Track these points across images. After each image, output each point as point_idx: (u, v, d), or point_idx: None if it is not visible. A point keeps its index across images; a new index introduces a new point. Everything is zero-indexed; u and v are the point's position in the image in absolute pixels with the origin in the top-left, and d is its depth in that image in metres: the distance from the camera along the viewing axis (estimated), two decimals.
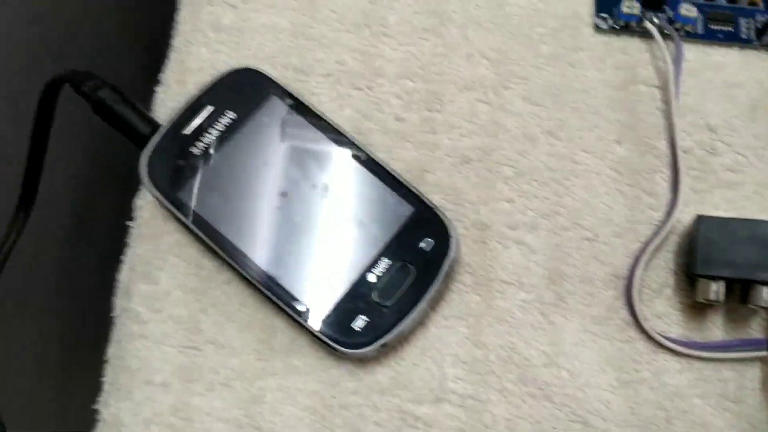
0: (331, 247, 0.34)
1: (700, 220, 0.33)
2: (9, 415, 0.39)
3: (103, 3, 0.52)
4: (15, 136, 0.42)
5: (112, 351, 0.36)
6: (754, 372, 0.35)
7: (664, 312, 0.35)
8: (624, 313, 0.35)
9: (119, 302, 0.36)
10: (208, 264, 0.36)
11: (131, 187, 0.38)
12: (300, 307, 0.34)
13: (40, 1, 0.46)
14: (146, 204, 0.37)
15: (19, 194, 0.40)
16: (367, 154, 0.35)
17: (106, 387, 0.36)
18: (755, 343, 0.35)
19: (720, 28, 0.38)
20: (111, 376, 0.36)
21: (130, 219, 0.37)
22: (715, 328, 0.35)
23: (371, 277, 0.34)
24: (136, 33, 0.53)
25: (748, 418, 0.34)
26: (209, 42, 0.39)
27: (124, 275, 0.37)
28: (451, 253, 0.34)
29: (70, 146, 0.48)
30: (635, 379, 0.35)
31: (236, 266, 0.34)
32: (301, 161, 0.35)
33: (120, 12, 0.53)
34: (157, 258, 0.36)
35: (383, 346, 0.33)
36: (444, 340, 0.35)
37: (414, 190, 0.35)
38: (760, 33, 0.38)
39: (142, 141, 0.36)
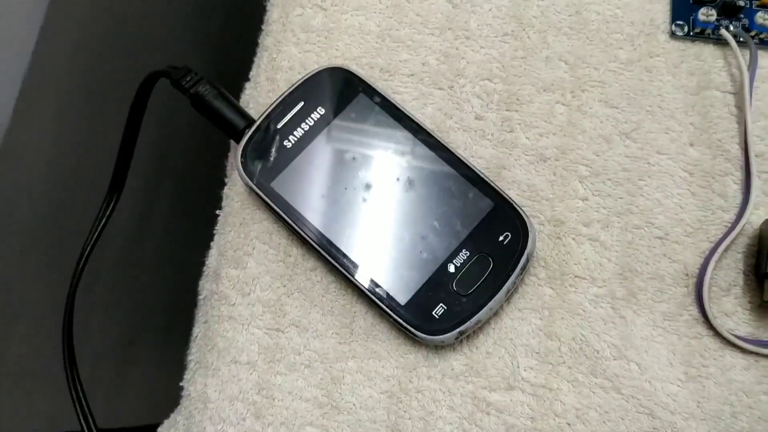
0: (413, 238, 0.36)
1: (766, 223, 0.34)
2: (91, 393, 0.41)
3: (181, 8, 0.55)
4: (105, 126, 0.45)
5: (198, 331, 0.38)
6: None
7: (732, 311, 0.36)
8: (693, 310, 0.36)
9: (207, 285, 0.39)
10: (295, 251, 0.38)
11: (217, 178, 0.41)
12: (382, 294, 0.35)
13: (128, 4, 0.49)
14: (235, 194, 0.39)
15: (110, 178, 0.43)
16: (449, 150, 0.37)
17: (191, 365, 0.38)
18: None
19: None
20: (197, 354, 0.38)
21: (219, 208, 0.40)
22: None
23: (451, 268, 0.36)
24: (208, 33, 0.55)
25: None
26: (299, 42, 0.41)
27: (212, 260, 0.39)
28: (528, 247, 0.36)
29: (162, 140, 0.51)
30: (702, 374, 0.36)
31: (323, 253, 0.36)
32: (386, 156, 0.37)
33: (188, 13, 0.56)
34: (246, 244, 0.38)
35: (461, 333, 0.35)
36: (517, 330, 0.36)
37: (494, 185, 0.36)
38: None
39: (237, 134, 0.38)
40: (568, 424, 0.35)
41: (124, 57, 0.45)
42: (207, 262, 0.39)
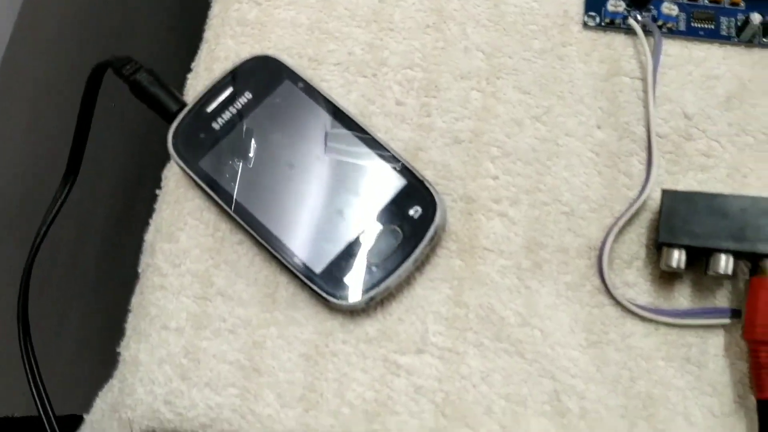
0: (330, 213, 0.39)
1: (665, 193, 0.36)
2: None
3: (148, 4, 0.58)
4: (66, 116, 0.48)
5: (135, 301, 0.41)
6: (717, 339, 0.37)
7: (634, 281, 0.38)
8: (596, 281, 0.38)
9: (145, 259, 0.41)
10: (223, 226, 0.40)
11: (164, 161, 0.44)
12: (299, 263, 0.38)
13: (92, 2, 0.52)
14: (171, 174, 0.42)
15: (66, 163, 0.46)
16: (367, 132, 0.40)
17: (128, 332, 0.40)
18: (719, 311, 0.37)
19: (701, 26, 0.41)
20: (133, 322, 0.40)
21: (159, 188, 0.43)
22: (682, 298, 0.38)
23: (364, 239, 0.38)
24: (175, 27, 0.59)
25: (709, 381, 0.37)
26: (236, 34, 0.44)
27: (150, 236, 0.42)
28: (437, 221, 0.38)
29: (117, 129, 0.54)
30: (603, 340, 0.38)
31: (247, 227, 0.39)
32: (308, 137, 0.40)
33: (161, 10, 0.59)
34: (179, 220, 0.41)
35: (371, 299, 0.37)
36: (428, 299, 0.39)
37: (407, 164, 0.39)
38: (739, 30, 0.41)
39: (170, 117, 0.41)
40: (473, 386, 0.37)
41: (99, 48, 0.48)
42: (145, 238, 0.42)
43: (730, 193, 0.36)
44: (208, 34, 0.44)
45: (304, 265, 0.38)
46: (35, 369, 0.42)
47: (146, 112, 0.42)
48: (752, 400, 0.36)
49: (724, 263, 0.35)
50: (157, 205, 0.42)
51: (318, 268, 0.38)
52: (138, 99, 0.42)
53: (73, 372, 0.44)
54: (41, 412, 0.41)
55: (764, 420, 0.35)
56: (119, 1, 0.56)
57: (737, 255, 0.35)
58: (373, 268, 0.38)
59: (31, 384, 0.42)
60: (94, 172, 0.47)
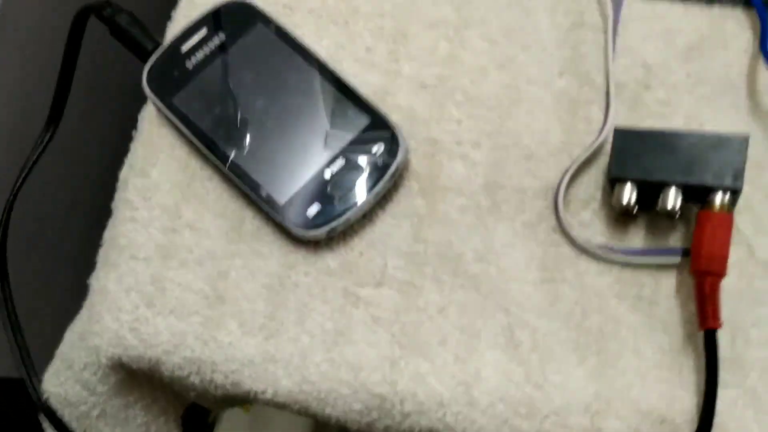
0: (296, 148, 0.40)
1: (616, 131, 0.37)
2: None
3: None
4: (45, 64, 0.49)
5: (107, 234, 0.42)
6: (669, 279, 0.38)
7: (589, 222, 0.39)
8: (552, 221, 0.39)
9: (118, 195, 0.43)
10: (194, 163, 0.42)
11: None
12: (263, 195, 0.39)
13: None
14: (147, 114, 0.43)
15: (48, 112, 0.47)
16: (335, 74, 0.41)
17: (98, 264, 0.42)
18: (671, 251, 0.38)
19: None
20: (103, 254, 0.42)
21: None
22: (636, 239, 0.39)
23: (327, 174, 0.39)
24: None
25: (660, 319, 0.38)
26: None
27: (123, 173, 0.43)
28: (398, 157, 0.39)
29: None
30: (557, 278, 0.38)
31: (215, 160, 0.40)
32: (278, 76, 0.41)
33: None
34: (151, 156, 0.42)
35: (332, 230, 0.38)
36: (390, 234, 0.40)
37: (371, 104, 0.40)
38: None
39: (147, 57, 0.42)
40: (429, 318, 0.38)
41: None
42: (120, 175, 0.43)
43: (679, 129, 0.37)
44: None
45: (269, 196, 0.39)
46: (17, 327, 0.43)
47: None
48: (701, 337, 0.37)
49: (673, 198, 0.36)
50: (132, 144, 0.43)
51: (282, 200, 0.39)
52: (117, 40, 0.43)
53: (59, 337, 0.45)
54: (26, 372, 0.42)
55: (710, 350, 0.35)
56: None
57: (686, 189, 0.36)
58: (335, 201, 0.39)
59: (13, 343, 0.43)
60: (79, 125, 0.48)
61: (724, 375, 0.37)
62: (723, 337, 0.37)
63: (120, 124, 0.44)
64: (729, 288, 0.38)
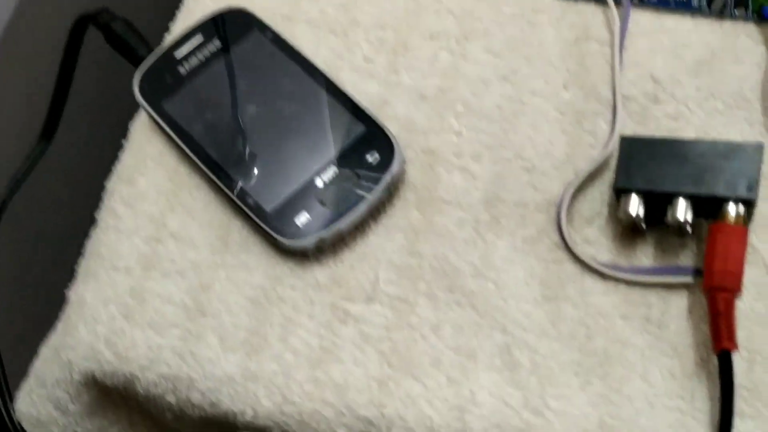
0: (288, 156, 0.38)
1: (623, 139, 0.35)
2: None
3: None
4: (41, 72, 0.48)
5: (89, 244, 0.40)
6: (680, 300, 0.36)
7: (595, 238, 0.37)
8: (555, 237, 0.37)
9: (103, 204, 0.41)
10: (182, 170, 0.40)
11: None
12: (251, 203, 0.37)
13: None
14: (138, 123, 0.42)
15: (43, 123, 0.46)
16: (331, 81, 0.40)
17: (79, 275, 0.40)
18: (681, 270, 0.36)
19: None
20: (84, 265, 0.40)
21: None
22: (644, 257, 0.36)
23: (318, 182, 0.37)
24: None
25: (668, 342, 0.35)
26: None
27: (111, 182, 0.41)
28: (394, 167, 0.37)
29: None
30: (559, 296, 0.36)
31: (203, 167, 0.38)
32: (272, 84, 0.40)
33: None
34: (139, 164, 0.41)
35: (321, 240, 0.37)
36: (382, 248, 0.38)
37: (367, 112, 0.39)
38: (710, 2, 0.41)
39: (139, 61, 0.41)
40: (422, 336, 0.36)
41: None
42: (107, 186, 0.42)
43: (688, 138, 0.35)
44: None
45: (256, 203, 0.37)
46: None
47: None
48: (715, 363, 0.34)
49: (683, 210, 0.34)
50: (121, 153, 0.42)
51: (269, 207, 0.37)
52: (112, 47, 0.42)
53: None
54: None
55: (725, 374, 0.33)
56: None
57: (697, 201, 0.34)
58: (326, 211, 0.37)
59: None
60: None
61: (741, 404, 0.34)
62: (740, 363, 0.34)
63: (117, 136, 0.43)
64: (746, 310, 0.35)
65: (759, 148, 0.33)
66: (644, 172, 0.34)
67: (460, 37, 0.42)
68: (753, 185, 0.33)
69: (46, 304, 0.42)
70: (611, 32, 0.41)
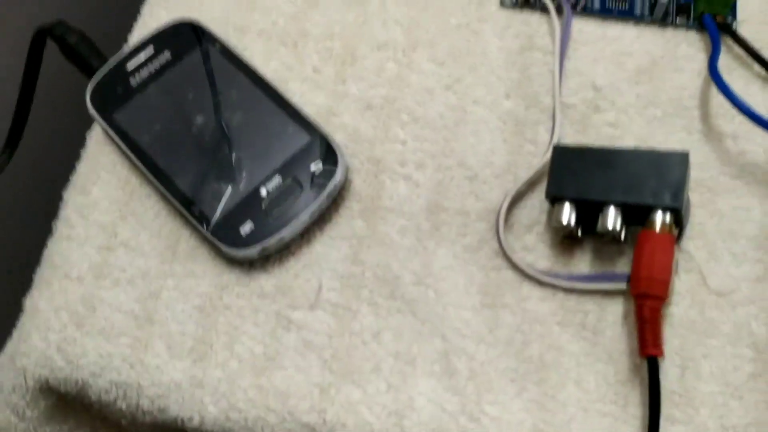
0: (232, 165, 0.39)
1: (555, 149, 0.36)
2: None
3: None
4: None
5: (45, 253, 0.41)
6: (616, 307, 0.36)
7: (533, 246, 0.38)
8: (494, 245, 0.38)
9: (60, 213, 0.42)
10: (134, 180, 0.41)
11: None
12: (196, 212, 0.38)
13: None
14: (93, 132, 0.43)
15: (7, 134, 0.47)
16: (277, 92, 0.40)
17: (34, 284, 0.41)
18: (616, 277, 0.36)
19: (616, 5, 0.42)
20: (39, 274, 0.41)
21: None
22: (582, 264, 0.37)
23: (263, 191, 0.38)
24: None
25: (603, 348, 0.36)
26: (168, 6, 0.45)
27: (67, 193, 0.42)
28: (337, 176, 0.38)
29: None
30: (498, 303, 0.37)
31: (152, 178, 0.39)
32: (219, 95, 0.41)
33: None
34: (93, 174, 0.41)
35: (264, 249, 0.37)
36: (327, 256, 0.38)
37: (312, 122, 0.39)
38: (652, 8, 0.41)
39: (92, 73, 0.42)
40: (363, 343, 0.37)
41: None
42: (63, 195, 0.42)
43: (619, 147, 0.36)
44: (144, 9, 0.46)
45: (202, 213, 0.38)
46: None
47: None
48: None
49: (612, 218, 0.34)
50: (78, 165, 0.43)
51: (214, 217, 0.38)
52: (67, 59, 0.43)
53: None
54: None
55: (653, 380, 0.33)
56: None
57: (626, 209, 0.34)
58: (269, 219, 0.38)
59: None
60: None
61: (672, 410, 0.34)
62: (672, 369, 0.35)
63: (78, 147, 0.44)
64: (679, 317, 0.36)
65: (684, 157, 0.34)
66: (576, 181, 0.35)
67: (407, 47, 0.42)
68: (678, 194, 0.33)
69: (4, 312, 0.43)
70: (555, 41, 0.41)
